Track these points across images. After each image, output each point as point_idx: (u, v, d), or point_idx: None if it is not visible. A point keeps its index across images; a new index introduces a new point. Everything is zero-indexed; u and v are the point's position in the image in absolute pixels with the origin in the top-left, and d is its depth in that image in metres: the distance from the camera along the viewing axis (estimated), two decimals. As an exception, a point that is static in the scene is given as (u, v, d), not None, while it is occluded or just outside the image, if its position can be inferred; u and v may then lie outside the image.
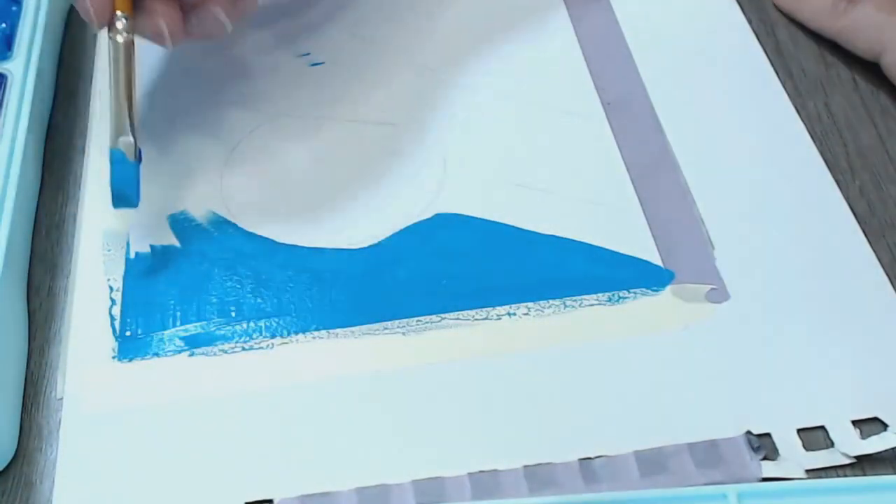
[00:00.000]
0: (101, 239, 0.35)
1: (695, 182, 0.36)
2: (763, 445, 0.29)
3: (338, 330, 0.32)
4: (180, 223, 0.36)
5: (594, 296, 0.33)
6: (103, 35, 0.42)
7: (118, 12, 0.32)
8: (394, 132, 0.38)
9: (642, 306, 0.32)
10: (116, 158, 0.33)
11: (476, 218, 0.35)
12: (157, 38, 0.33)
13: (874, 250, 0.33)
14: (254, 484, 0.29)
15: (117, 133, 0.33)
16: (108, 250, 0.35)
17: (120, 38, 0.33)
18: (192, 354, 0.32)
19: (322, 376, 0.31)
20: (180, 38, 0.33)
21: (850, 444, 0.29)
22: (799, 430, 0.29)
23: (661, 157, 0.37)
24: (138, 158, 0.33)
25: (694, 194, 0.35)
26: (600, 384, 0.31)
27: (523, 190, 0.36)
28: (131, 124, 0.33)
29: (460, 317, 0.32)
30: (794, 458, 0.29)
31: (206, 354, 0.32)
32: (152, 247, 0.35)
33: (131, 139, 0.33)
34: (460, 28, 0.42)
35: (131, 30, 0.33)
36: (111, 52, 0.33)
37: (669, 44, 0.40)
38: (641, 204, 0.35)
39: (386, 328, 0.32)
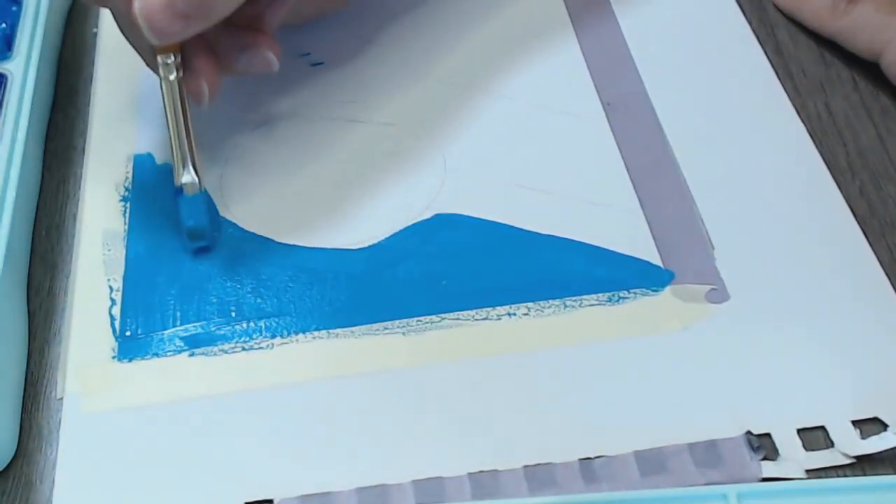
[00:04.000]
0: (101, 239, 0.35)
1: (695, 182, 0.36)
2: (763, 445, 0.29)
3: (338, 330, 0.32)
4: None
5: (594, 296, 0.33)
6: (105, 36, 0.42)
7: (170, 54, 0.33)
8: (394, 132, 0.38)
9: (642, 306, 0.32)
10: (183, 196, 0.33)
11: (476, 218, 0.35)
12: (196, 97, 0.34)
13: (874, 250, 0.33)
14: (254, 484, 0.29)
15: (181, 170, 0.33)
16: (108, 250, 0.35)
17: (172, 76, 0.33)
18: (192, 354, 0.32)
19: (322, 376, 0.31)
20: (216, 96, 0.34)
21: (850, 444, 0.29)
22: (799, 430, 0.29)
23: (661, 157, 0.37)
24: (202, 190, 0.34)
25: (694, 194, 0.35)
26: (600, 384, 0.31)
27: (523, 190, 0.36)
28: (192, 160, 0.33)
29: (460, 317, 0.32)
30: (794, 458, 0.29)
31: (206, 354, 0.32)
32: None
33: (195, 177, 0.33)
34: (460, 28, 0.42)
35: (181, 68, 0.33)
36: (165, 91, 0.33)
37: (669, 44, 0.40)
38: (641, 204, 0.35)
39: (386, 328, 0.32)
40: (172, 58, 0.33)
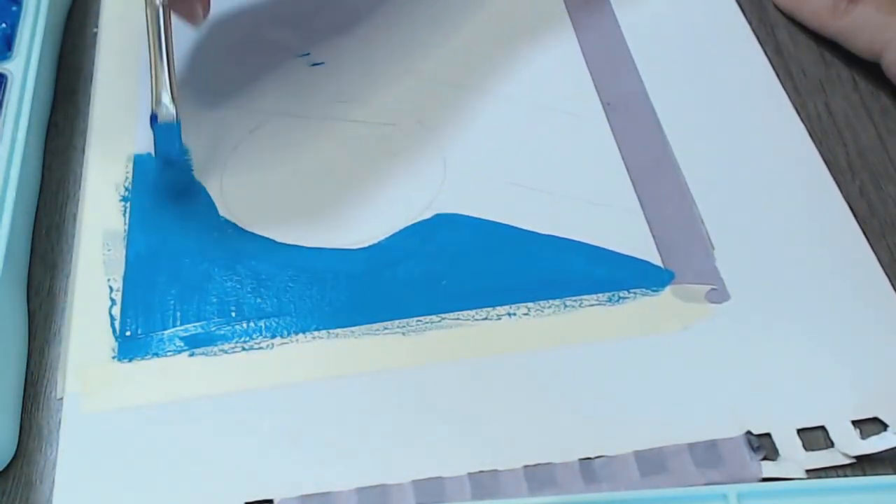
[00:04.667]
0: (101, 239, 0.35)
1: (695, 182, 0.36)
2: (763, 445, 0.29)
3: (338, 330, 0.32)
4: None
5: (594, 296, 0.33)
6: (105, 36, 0.42)
7: None
8: (394, 132, 0.38)
9: (642, 306, 0.32)
10: (158, 123, 0.34)
11: (476, 218, 0.35)
12: (191, 19, 0.35)
13: (874, 250, 0.33)
14: (254, 484, 0.29)
15: (158, 96, 0.34)
16: (108, 250, 0.35)
17: (157, 1, 0.34)
18: (192, 354, 0.32)
19: (322, 376, 0.31)
20: (207, 15, 0.35)
21: (850, 444, 0.29)
22: (799, 430, 0.29)
23: (661, 157, 0.37)
24: (177, 119, 0.34)
25: (694, 194, 0.35)
26: (600, 384, 0.31)
27: (523, 190, 0.36)
28: (171, 87, 0.34)
29: (460, 317, 0.32)
30: (794, 458, 0.29)
31: (206, 354, 0.32)
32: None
33: (172, 104, 0.34)
34: (460, 29, 0.42)
35: None
36: (149, 16, 0.34)
37: (669, 44, 0.40)
38: (641, 204, 0.35)
39: (386, 328, 0.32)
40: None
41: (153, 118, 0.34)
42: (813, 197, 0.35)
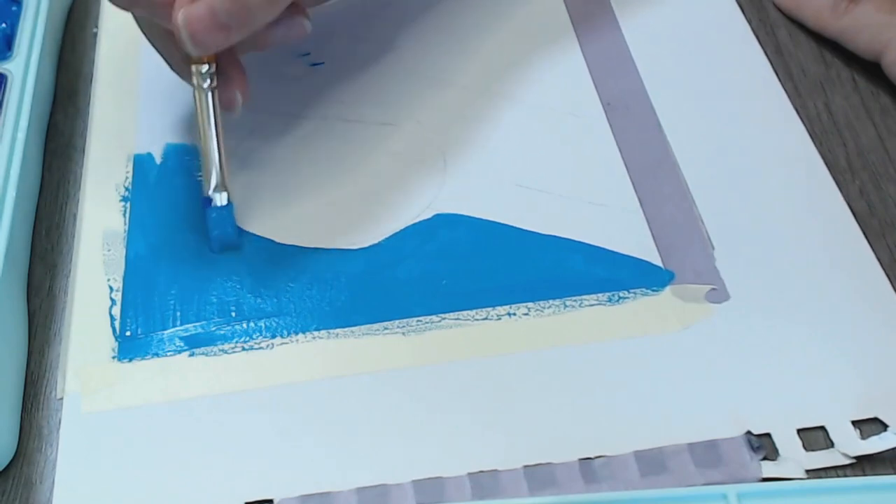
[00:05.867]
0: (101, 239, 0.35)
1: (695, 182, 0.36)
2: (763, 445, 0.29)
3: (338, 330, 0.32)
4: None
5: (594, 296, 0.33)
6: (105, 36, 0.42)
7: (205, 63, 0.33)
8: (394, 132, 0.38)
9: (642, 306, 0.32)
10: (212, 206, 0.34)
11: (476, 218, 0.35)
12: (230, 106, 0.34)
13: (874, 250, 0.33)
14: (254, 484, 0.29)
15: (210, 183, 0.33)
16: (108, 250, 0.35)
17: (206, 85, 0.33)
18: (192, 354, 0.32)
19: (322, 376, 0.31)
20: (246, 103, 0.34)
21: (850, 444, 0.29)
22: (799, 430, 0.29)
23: (661, 157, 0.37)
24: (230, 202, 0.34)
25: (694, 194, 0.35)
26: (600, 384, 0.31)
27: (523, 190, 0.36)
28: (223, 171, 0.33)
29: (460, 317, 0.32)
30: (794, 458, 0.29)
31: (206, 354, 0.32)
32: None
33: (225, 189, 0.34)
34: (460, 29, 0.42)
35: (215, 78, 0.33)
36: (198, 100, 0.33)
37: (669, 44, 0.40)
38: (641, 204, 0.35)
39: (386, 328, 0.32)
40: (207, 67, 0.33)
41: (206, 202, 0.34)
42: (813, 197, 0.35)
